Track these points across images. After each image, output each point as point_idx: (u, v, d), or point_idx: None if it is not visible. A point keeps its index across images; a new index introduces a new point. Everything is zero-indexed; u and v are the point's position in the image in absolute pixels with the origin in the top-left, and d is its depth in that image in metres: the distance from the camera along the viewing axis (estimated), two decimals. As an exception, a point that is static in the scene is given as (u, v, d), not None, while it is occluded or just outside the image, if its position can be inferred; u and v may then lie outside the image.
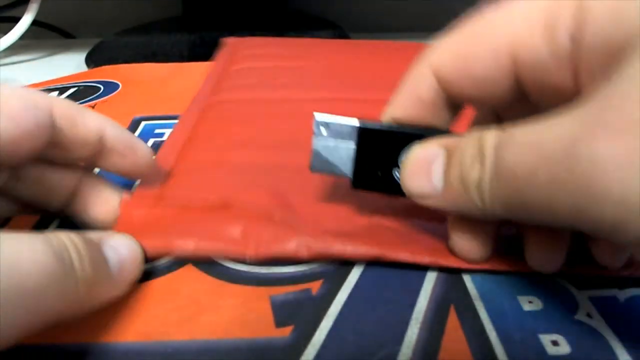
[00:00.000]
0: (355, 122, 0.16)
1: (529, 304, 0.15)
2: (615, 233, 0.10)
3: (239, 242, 0.17)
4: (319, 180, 0.19)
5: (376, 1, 0.53)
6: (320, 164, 0.17)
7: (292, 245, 0.17)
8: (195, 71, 0.35)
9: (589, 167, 0.10)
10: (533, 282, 0.16)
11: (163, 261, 0.17)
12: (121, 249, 0.15)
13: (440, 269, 0.17)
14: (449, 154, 0.14)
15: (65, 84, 0.34)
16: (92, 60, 0.40)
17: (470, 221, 0.15)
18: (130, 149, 0.18)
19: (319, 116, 0.16)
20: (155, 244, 0.17)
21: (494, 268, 0.16)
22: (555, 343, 0.14)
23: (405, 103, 0.16)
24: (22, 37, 0.41)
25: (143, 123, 0.28)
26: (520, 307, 0.15)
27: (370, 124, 0.16)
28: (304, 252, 0.17)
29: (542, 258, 0.15)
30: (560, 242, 0.15)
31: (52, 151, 0.16)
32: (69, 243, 0.13)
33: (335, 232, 0.17)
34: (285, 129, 0.25)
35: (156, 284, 0.16)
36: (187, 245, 0.17)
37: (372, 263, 0.17)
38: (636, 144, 0.09)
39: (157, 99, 0.31)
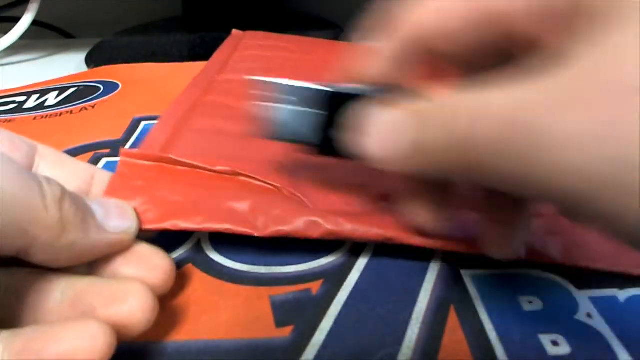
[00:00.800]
0: (322, 86, 0.15)
1: (529, 304, 0.15)
2: (582, 209, 0.10)
3: (247, 219, 0.16)
4: (327, 160, 0.18)
5: (376, 1, 0.53)
6: (282, 132, 0.16)
7: (301, 224, 0.16)
8: (196, 71, 0.35)
9: (554, 143, 0.09)
10: (533, 282, 0.16)
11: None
12: (108, 203, 0.15)
13: (441, 269, 0.17)
14: (418, 120, 0.13)
15: (65, 84, 0.34)
16: (92, 60, 0.39)
17: (425, 192, 0.15)
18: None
19: (282, 81, 0.15)
20: (161, 216, 0.16)
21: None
22: (555, 343, 0.14)
23: (377, 62, 0.15)
24: (22, 37, 0.41)
25: (143, 123, 0.28)
26: (520, 307, 0.15)
27: (340, 88, 0.15)
28: (314, 231, 0.16)
29: (496, 243, 0.15)
30: (516, 230, 0.15)
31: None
32: (43, 179, 0.13)
33: (345, 212, 0.17)
34: None
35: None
36: (195, 220, 0.16)
37: (372, 263, 0.17)
38: (606, 117, 0.09)
39: (157, 99, 0.31)
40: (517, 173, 0.10)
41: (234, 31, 0.39)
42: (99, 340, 0.12)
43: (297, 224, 0.16)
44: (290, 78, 0.30)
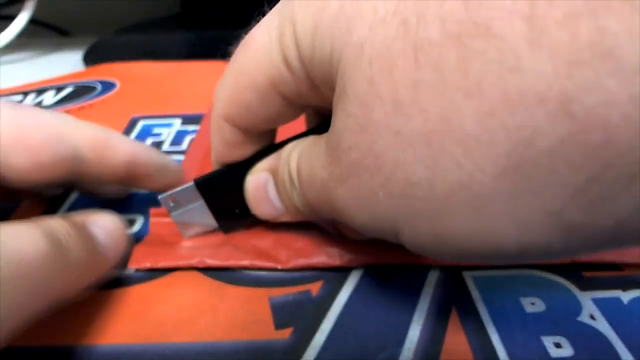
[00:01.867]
0: (190, 182, 0.17)
1: (532, 305, 0.15)
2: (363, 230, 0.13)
3: (270, 254, 0.17)
4: None
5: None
6: (188, 230, 0.18)
7: (323, 256, 0.17)
8: (194, 70, 0.34)
9: (346, 209, 0.12)
10: (535, 283, 0.16)
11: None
12: (106, 224, 0.15)
13: (441, 270, 0.16)
14: (274, 177, 0.15)
15: (62, 83, 0.34)
16: (90, 59, 0.39)
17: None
18: (161, 171, 0.18)
19: (161, 195, 0.17)
20: (188, 255, 0.17)
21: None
22: (558, 345, 0.14)
23: (221, 150, 0.16)
24: (19, 35, 0.40)
25: (141, 122, 0.28)
26: (522, 309, 0.15)
27: (203, 176, 0.16)
28: (335, 260, 0.16)
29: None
30: None
31: (79, 178, 0.16)
32: (56, 225, 0.13)
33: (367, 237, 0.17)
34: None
35: (155, 285, 0.16)
36: (220, 257, 0.17)
37: (372, 264, 0.17)
38: (361, 189, 0.11)
39: (155, 98, 0.31)
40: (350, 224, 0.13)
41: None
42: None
43: (319, 256, 0.17)
44: None
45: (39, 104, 0.31)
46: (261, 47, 0.13)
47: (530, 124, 0.08)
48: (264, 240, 0.17)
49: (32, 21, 0.42)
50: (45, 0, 0.41)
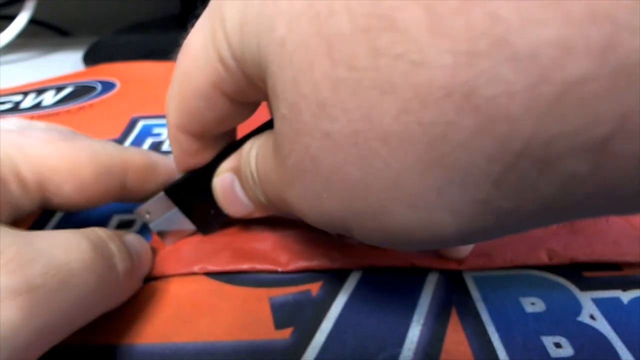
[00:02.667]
0: (160, 192, 0.17)
1: (532, 305, 0.15)
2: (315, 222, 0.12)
3: (270, 256, 0.17)
4: None
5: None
6: (169, 239, 0.18)
7: (324, 258, 0.17)
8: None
9: (290, 203, 0.12)
10: (535, 283, 0.16)
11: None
12: (136, 243, 0.15)
13: (442, 270, 0.16)
14: (238, 176, 0.15)
15: (62, 83, 0.34)
16: (90, 59, 0.39)
17: None
18: None
19: (135, 210, 0.17)
20: (189, 261, 0.17)
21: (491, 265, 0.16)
22: (558, 345, 0.14)
23: (182, 159, 0.16)
24: (19, 35, 0.40)
25: (141, 122, 0.28)
26: (522, 309, 0.15)
27: (171, 184, 0.17)
28: (335, 263, 0.16)
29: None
30: None
31: (120, 200, 0.17)
32: (105, 236, 0.14)
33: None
34: None
35: (156, 286, 0.16)
36: (220, 262, 0.17)
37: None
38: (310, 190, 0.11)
39: (155, 98, 0.31)
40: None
41: None
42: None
43: (320, 259, 0.17)
44: None
45: (38, 104, 0.31)
46: (198, 50, 0.13)
47: (441, 119, 0.08)
48: (263, 243, 0.17)
49: (32, 21, 0.42)
50: (46, 0, 0.41)
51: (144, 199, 0.17)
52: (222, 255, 0.17)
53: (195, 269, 0.17)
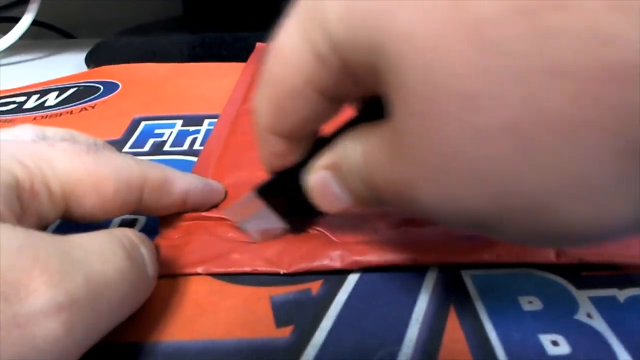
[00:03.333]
0: (250, 192, 0.17)
1: (529, 304, 0.15)
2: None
3: (273, 260, 0.17)
4: None
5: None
6: (259, 238, 0.18)
7: (326, 259, 0.17)
8: (196, 71, 0.35)
9: (416, 203, 0.11)
10: (533, 282, 0.16)
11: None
12: (149, 246, 0.15)
13: (440, 269, 0.17)
14: (336, 172, 0.15)
15: (65, 84, 0.34)
16: (92, 61, 0.39)
17: None
18: (207, 198, 0.19)
19: (226, 209, 0.17)
20: (192, 266, 0.17)
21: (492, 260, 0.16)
22: (555, 343, 0.14)
23: (271, 160, 0.16)
24: (22, 37, 0.41)
25: (143, 123, 0.28)
26: (520, 307, 0.15)
27: (261, 184, 0.17)
28: (337, 264, 0.17)
29: None
30: None
31: (137, 213, 0.17)
32: (138, 241, 0.14)
33: (370, 241, 0.17)
34: None
35: (157, 285, 0.16)
36: (223, 264, 0.17)
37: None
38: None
39: (157, 99, 0.31)
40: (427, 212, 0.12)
41: (258, 45, 0.38)
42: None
43: (322, 260, 0.17)
44: None
45: (42, 105, 0.31)
46: (290, 51, 0.13)
47: (631, 99, 0.07)
48: (268, 250, 0.17)
49: (36, 23, 0.42)
50: (49, 2, 0.42)
51: (158, 213, 0.18)
52: (226, 258, 0.17)
53: (199, 270, 0.17)
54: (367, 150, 0.13)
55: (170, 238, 0.18)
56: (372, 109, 0.13)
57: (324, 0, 0.11)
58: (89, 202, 0.15)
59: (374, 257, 0.17)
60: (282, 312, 0.15)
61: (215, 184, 0.20)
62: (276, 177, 0.16)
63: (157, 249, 0.17)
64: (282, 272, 0.17)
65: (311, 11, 0.12)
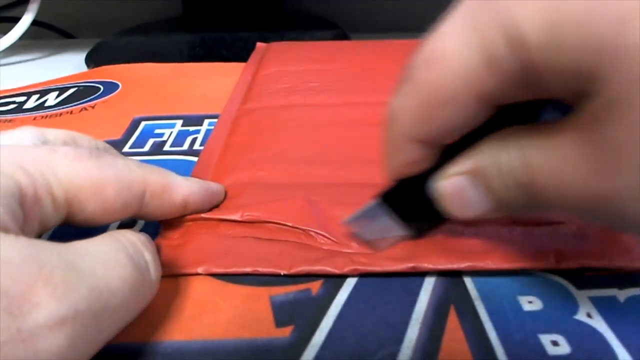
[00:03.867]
0: (372, 201, 0.17)
1: (529, 304, 0.15)
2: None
3: (274, 262, 0.17)
4: (353, 196, 0.19)
5: (376, 1, 0.53)
6: (380, 245, 0.18)
7: (327, 263, 0.17)
8: (195, 71, 0.35)
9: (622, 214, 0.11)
10: (533, 282, 0.16)
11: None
12: (153, 250, 0.15)
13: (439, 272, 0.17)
14: (478, 178, 0.14)
15: (65, 84, 0.34)
16: (92, 61, 0.39)
17: None
18: (209, 204, 0.19)
19: (345, 219, 0.17)
20: (192, 266, 0.17)
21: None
22: (555, 343, 0.14)
23: (401, 168, 0.15)
24: (22, 37, 0.41)
25: (143, 123, 0.28)
26: (520, 307, 0.15)
27: (385, 192, 0.17)
28: (340, 268, 0.16)
29: None
30: None
31: (139, 217, 0.17)
32: (142, 246, 0.14)
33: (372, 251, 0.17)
34: (317, 140, 0.24)
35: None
36: (223, 267, 0.17)
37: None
38: None
39: (157, 99, 0.31)
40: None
41: (258, 45, 0.38)
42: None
43: (323, 263, 0.17)
44: (316, 94, 0.30)
45: (42, 105, 0.31)
46: (454, 56, 0.12)
47: None
48: (269, 250, 0.17)
49: (36, 23, 0.42)
50: (49, 2, 0.42)
51: (158, 218, 0.18)
52: (226, 258, 0.17)
53: (199, 270, 0.17)
54: (532, 155, 0.13)
55: (170, 238, 0.18)
56: (514, 112, 0.13)
57: (508, 4, 0.11)
58: (90, 207, 0.15)
59: (377, 267, 0.16)
60: (282, 312, 0.15)
61: (215, 186, 0.20)
62: (400, 183, 0.16)
63: (158, 249, 0.17)
64: (282, 273, 0.17)
65: (492, 16, 0.11)
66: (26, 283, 0.10)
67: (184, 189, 0.18)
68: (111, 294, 0.12)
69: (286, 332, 0.14)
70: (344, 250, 0.17)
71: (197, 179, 0.19)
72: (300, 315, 0.15)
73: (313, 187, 0.20)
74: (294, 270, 0.17)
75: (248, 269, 0.17)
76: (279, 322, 0.15)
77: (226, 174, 0.22)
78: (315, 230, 0.18)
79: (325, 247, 0.17)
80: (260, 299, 0.16)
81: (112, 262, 0.12)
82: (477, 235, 0.17)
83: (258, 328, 0.15)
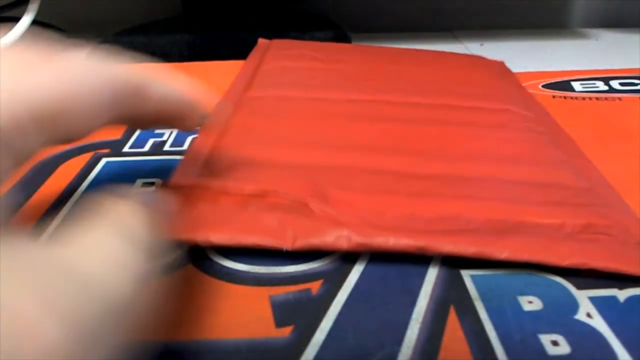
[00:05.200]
0: None
1: (529, 304, 0.15)
2: None
3: (276, 233, 0.17)
4: (357, 178, 0.19)
5: (376, 1, 0.53)
6: None
7: (330, 237, 0.16)
8: (195, 71, 0.35)
9: None
10: (533, 282, 0.16)
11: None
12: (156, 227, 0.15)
13: (441, 269, 0.17)
14: None
15: (65, 84, 0.34)
16: (92, 60, 0.39)
17: None
18: (190, 113, 0.17)
19: None
20: (190, 233, 0.17)
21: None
22: (555, 343, 0.14)
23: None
24: (22, 36, 0.41)
25: (143, 123, 0.28)
26: (520, 307, 0.15)
27: None
28: (343, 244, 0.16)
29: None
30: None
31: (122, 122, 0.16)
32: (143, 231, 0.13)
33: (375, 224, 0.17)
34: (319, 128, 0.25)
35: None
36: (224, 236, 0.17)
37: (372, 263, 0.17)
38: None
39: (157, 99, 0.31)
40: None
41: (260, 40, 0.38)
42: None
43: (326, 237, 0.17)
44: (318, 90, 0.30)
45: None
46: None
47: None
48: (270, 220, 0.17)
49: (36, 23, 0.42)
50: (49, 2, 0.42)
51: (140, 122, 0.17)
52: (227, 226, 0.17)
53: (198, 238, 0.16)
54: None
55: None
56: None
57: None
58: (68, 121, 0.14)
59: (378, 240, 0.16)
60: (282, 312, 0.15)
61: (197, 101, 0.18)
62: None
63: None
64: (285, 248, 0.16)
65: None
66: (29, 316, 0.10)
67: (159, 93, 0.16)
68: (118, 306, 0.11)
69: (286, 332, 0.14)
70: (348, 225, 0.17)
71: (180, 82, 0.18)
72: (300, 315, 0.15)
73: (313, 168, 0.21)
74: (297, 245, 0.16)
75: (249, 242, 0.16)
76: (279, 322, 0.15)
77: (226, 151, 0.22)
78: (316, 203, 0.18)
79: (328, 221, 0.17)
80: (260, 298, 0.16)
81: (118, 270, 0.12)
82: (482, 223, 0.17)
83: (258, 328, 0.15)
